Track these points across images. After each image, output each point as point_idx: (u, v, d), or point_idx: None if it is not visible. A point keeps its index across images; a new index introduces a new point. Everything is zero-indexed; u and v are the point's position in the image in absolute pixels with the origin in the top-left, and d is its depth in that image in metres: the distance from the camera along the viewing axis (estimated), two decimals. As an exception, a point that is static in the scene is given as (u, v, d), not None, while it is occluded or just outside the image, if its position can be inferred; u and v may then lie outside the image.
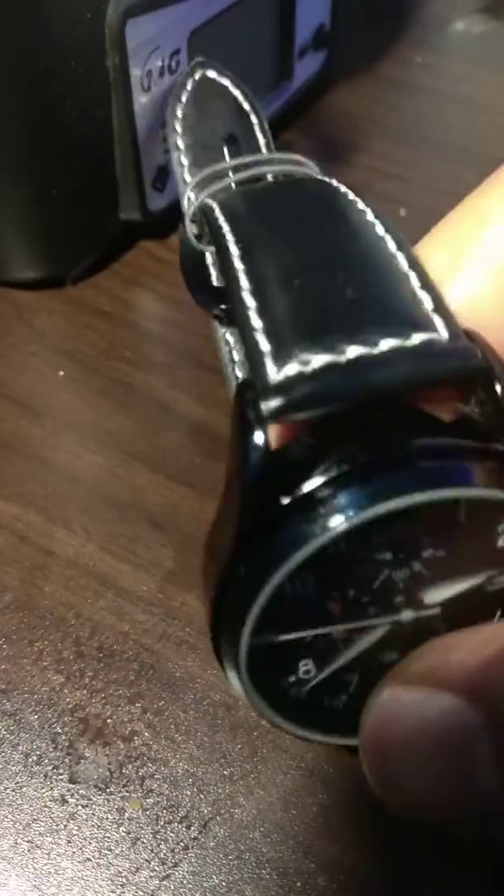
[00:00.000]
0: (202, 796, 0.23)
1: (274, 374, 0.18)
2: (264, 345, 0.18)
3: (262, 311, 0.19)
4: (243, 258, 0.21)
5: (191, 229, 0.27)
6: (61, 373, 0.34)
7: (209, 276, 0.28)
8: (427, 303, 0.19)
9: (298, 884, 0.22)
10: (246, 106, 0.31)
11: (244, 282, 0.20)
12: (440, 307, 0.19)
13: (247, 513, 0.18)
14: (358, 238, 0.21)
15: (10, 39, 0.29)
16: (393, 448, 0.18)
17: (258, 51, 0.41)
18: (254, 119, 0.31)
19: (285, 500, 0.18)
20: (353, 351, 0.17)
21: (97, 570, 0.28)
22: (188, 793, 0.23)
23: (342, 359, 0.17)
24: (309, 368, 0.17)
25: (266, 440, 0.17)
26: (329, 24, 0.44)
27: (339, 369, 0.17)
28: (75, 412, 0.32)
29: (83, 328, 0.35)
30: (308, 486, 0.18)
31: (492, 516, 0.19)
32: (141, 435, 0.31)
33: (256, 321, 0.19)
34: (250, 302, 0.20)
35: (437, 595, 0.19)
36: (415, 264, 0.20)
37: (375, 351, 0.17)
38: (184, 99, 0.31)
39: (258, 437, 0.17)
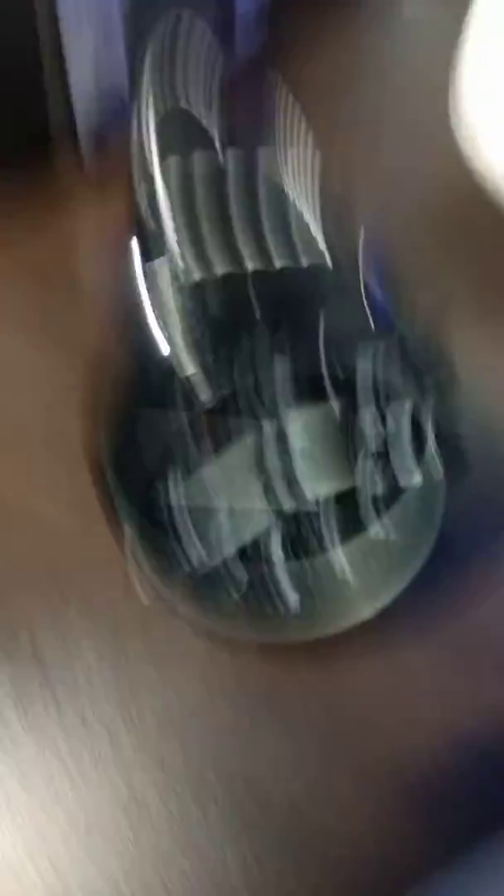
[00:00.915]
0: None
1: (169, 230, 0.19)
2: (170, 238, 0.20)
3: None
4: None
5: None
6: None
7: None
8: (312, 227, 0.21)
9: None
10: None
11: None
12: (327, 214, 0.21)
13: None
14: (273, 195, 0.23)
15: None
16: None
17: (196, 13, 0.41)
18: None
19: None
20: (251, 265, 0.19)
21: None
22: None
23: (241, 267, 0.20)
24: (211, 269, 0.19)
25: None
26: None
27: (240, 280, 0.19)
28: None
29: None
30: None
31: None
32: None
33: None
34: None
35: (320, 489, 0.21)
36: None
37: (270, 268, 0.19)
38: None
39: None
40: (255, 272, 0.19)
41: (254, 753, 0.23)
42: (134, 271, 0.21)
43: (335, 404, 0.20)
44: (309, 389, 0.20)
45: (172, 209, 0.22)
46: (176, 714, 0.24)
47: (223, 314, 0.19)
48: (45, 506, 0.28)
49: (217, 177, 0.23)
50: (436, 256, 0.37)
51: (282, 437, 0.20)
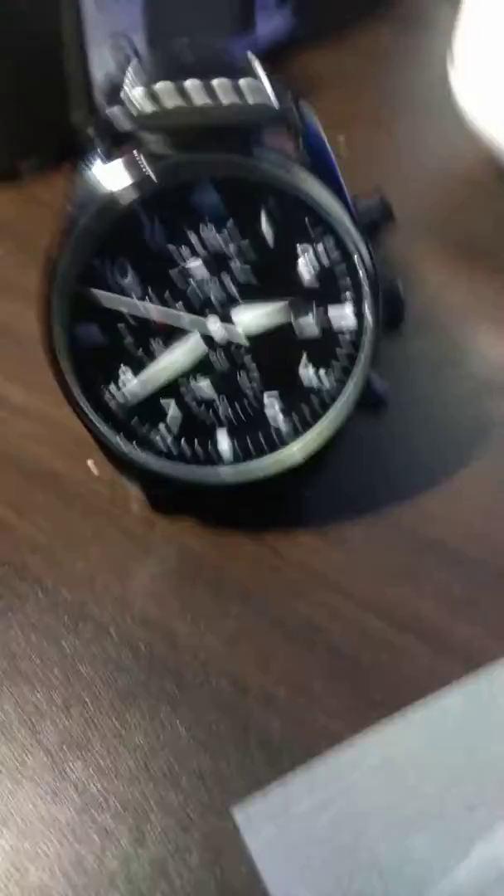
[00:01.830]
0: (40, 558, 0.25)
1: (126, 92, 0.21)
2: (125, 87, 0.21)
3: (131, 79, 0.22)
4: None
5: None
6: (0, 251, 0.37)
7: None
8: (263, 77, 0.22)
9: (112, 631, 0.23)
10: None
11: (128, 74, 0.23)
12: (274, 82, 0.22)
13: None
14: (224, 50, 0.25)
15: None
16: None
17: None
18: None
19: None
20: (189, 82, 0.20)
21: (-8, 389, 0.30)
22: (28, 555, 0.25)
23: (178, 84, 0.20)
24: (151, 89, 0.20)
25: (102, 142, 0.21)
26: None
27: (174, 90, 0.20)
28: (5, 278, 0.35)
29: (30, 216, 0.38)
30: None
31: (290, 234, 0.21)
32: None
33: (127, 83, 0.22)
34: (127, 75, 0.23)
35: (245, 315, 0.21)
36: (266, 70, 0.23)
37: (207, 83, 0.20)
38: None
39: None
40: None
41: (181, 609, 0.24)
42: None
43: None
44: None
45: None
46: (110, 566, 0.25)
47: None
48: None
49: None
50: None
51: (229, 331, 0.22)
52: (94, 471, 0.27)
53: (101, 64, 0.39)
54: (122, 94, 0.21)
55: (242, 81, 0.21)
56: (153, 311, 0.21)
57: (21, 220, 0.38)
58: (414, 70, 0.51)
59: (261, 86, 0.21)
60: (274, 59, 0.50)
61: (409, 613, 0.23)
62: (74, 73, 0.38)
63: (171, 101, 0.20)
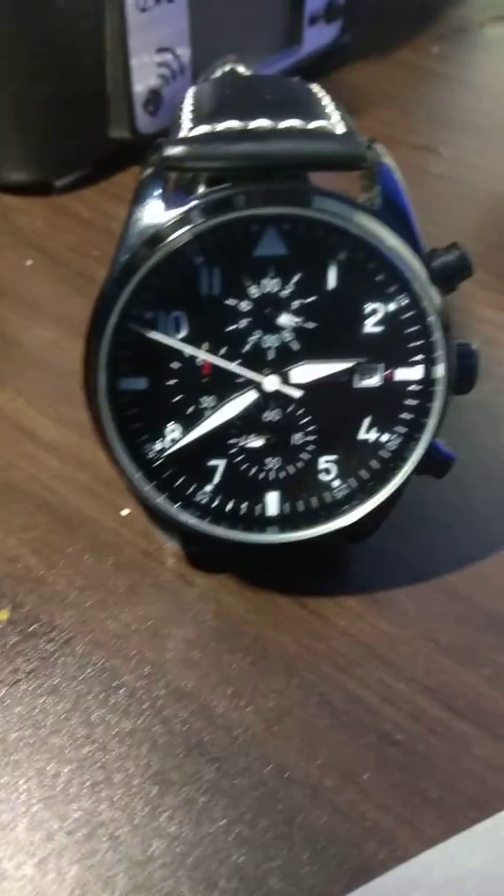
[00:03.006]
0: (70, 615, 0.23)
1: (185, 133, 0.19)
2: (186, 122, 0.20)
3: (194, 110, 0.21)
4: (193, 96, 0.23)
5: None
6: (29, 262, 0.35)
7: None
8: (334, 116, 0.20)
9: (145, 705, 0.21)
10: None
11: (187, 102, 0.22)
12: (346, 119, 0.20)
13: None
14: (293, 86, 0.23)
15: None
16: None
17: (265, 7, 0.43)
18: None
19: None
20: (257, 122, 0.18)
21: (20, 421, 0.29)
22: (58, 612, 0.23)
23: (245, 125, 0.19)
24: (215, 129, 0.19)
25: (162, 184, 0.19)
26: (342, -2, 0.46)
27: (241, 133, 0.19)
28: (34, 294, 0.34)
29: (59, 229, 0.37)
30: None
31: (360, 290, 0.19)
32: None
33: (187, 115, 0.20)
34: (187, 105, 0.21)
35: (305, 374, 0.20)
36: (339, 108, 0.22)
37: (276, 125, 0.19)
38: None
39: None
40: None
41: (218, 680, 0.22)
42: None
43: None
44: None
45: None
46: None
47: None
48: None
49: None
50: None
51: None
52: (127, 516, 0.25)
53: (142, 78, 0.37)
54: (182, 132, 0.20)
55: (314, 125, 0.19)
56: (207, 365, 0.20)
57: (51, 234, 0.36)
58: (464, 88, 0.49)
59: (333, 129, 0.19)
60: (321, 73, 0.48)
61: (465, 697, 0.22)
62: (116, 88, 0.36)
63: (238, 145, 0.18)
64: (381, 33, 0.53)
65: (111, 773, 0.20)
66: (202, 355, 0.20)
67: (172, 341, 0.19)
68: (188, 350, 0.19)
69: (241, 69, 0.36)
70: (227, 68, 0.35)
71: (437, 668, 0.22)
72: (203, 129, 0.19)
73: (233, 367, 0.20)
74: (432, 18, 0.55)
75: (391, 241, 0.19)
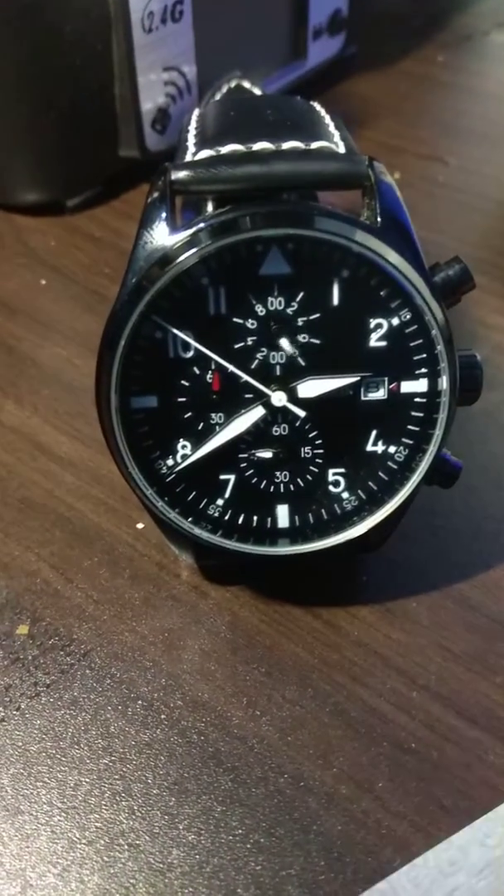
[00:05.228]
0: (88, 628, 0.24)
1: (189, 156, 0.20)
2: (190, 146, 0.20)
3: (198, 133, 0.21)
4: (198, 118, 0.23)
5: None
6: (43, 281, 0.36)
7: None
8: (336, 135, 0.21)
9: (163, 716, 0.22)
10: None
11: (192, 125, 0.22)
12: (346, 139, 0.21)
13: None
14: (294, 106, 0.23)
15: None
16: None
17: (269, 22, 0.43)
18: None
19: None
20: (259, 145, 0.19)
21: (37, 438, 0.29)
22: (76, 625, 0.24)
23: (248, 147, 0.19)
24: (219, 152, 0.19)
25: (168, 208, 0.19)
26: (346, 11, 0.47)
27: (244, 155, 0.19)
28: (48, 312, 0.34)
29: (72, 248, 0.37)
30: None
31: (364, 306, 0.20)
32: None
33: (191, 138, 0.21)
34: (192, 128, 0.22)
35: (311, 389, 0.20)
36: (339, 127, 0.22)
37: (278, 147, 0.19)
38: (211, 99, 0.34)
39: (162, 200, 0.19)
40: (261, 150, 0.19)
41: (234, 691, 0.22)
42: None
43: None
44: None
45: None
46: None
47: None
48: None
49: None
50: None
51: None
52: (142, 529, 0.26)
53: (149, 98, 0.38)
54: (187, 156, 0.20)
55: (315, 145, 0.20)
56: (216, 382, 0.20)
57: (64, 253, 0.37)
58: (470, 96, 0.49)
59: (334, 148, 0.20)
60: (326, 86, 0.49)
61: (479, 705, 0.22)
62: (124, 108, 0.37)
63: (241, 168, 0.19)
64: (386, 43, 0.53)
65: (130, 784, 0.21)
66: (208, 377, 0.20)
67: (181, 364, 0.20)
68: (195, 370, 0.20)
69: (246, 85, 0.36)
70: (232, 84, 0.36)
71: (450, 676, 0.22)
72: (207, 152, 0.20)
73: (245, 376, 0.20)
74: (437, 27, 0.56)
75: (393, 257, 0.19)
